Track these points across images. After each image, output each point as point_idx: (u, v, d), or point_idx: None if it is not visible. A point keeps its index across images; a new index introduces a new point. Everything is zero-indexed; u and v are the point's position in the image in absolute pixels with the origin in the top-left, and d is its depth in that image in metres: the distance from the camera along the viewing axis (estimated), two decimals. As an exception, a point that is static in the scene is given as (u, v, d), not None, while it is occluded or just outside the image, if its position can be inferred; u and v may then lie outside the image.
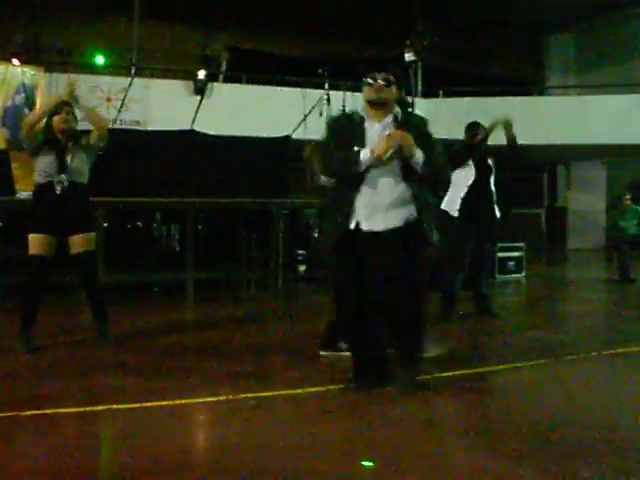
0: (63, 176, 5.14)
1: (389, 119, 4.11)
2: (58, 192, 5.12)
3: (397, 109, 4.16)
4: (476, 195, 6.70)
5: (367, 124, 4.11)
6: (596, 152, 16.17)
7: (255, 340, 5.67)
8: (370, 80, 4.08)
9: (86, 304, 5.66)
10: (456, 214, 6.72)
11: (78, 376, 4.50)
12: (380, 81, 4.06)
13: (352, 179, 4.01)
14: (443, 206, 6.78)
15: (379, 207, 3.97)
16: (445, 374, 4.62)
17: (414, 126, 4.12)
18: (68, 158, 5.19)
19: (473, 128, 6.88)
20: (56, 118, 5.23)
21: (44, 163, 5.15)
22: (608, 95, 15.90)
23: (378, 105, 4.11)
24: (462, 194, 6.71)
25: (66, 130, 5.23)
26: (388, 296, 3.96)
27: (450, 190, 6.75)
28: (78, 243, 5.25)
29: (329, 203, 4.44)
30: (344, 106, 11.70)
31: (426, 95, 15.72)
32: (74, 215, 5.20)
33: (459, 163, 6.62)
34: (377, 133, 4.05)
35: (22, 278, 5.40)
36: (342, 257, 4.07)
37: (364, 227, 3.98)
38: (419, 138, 4.02)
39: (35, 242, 5.14)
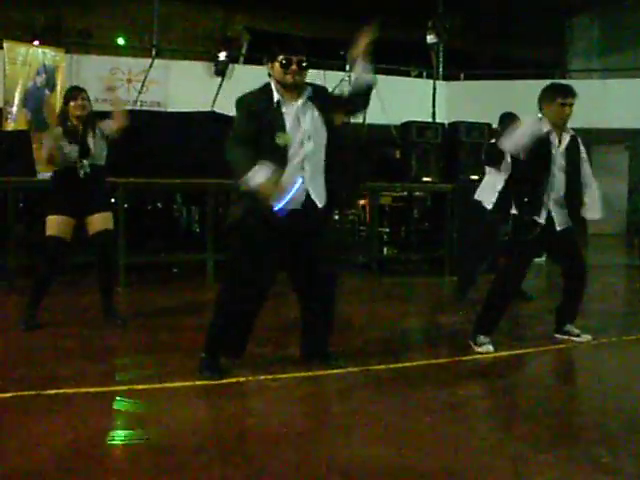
0: (85, 162, 5.21)
1: (304, 98, 3.88)
2: (81, 176, 5.20)
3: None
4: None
5: (283, 104, 3.85)
6: (619, 136, 15.97)
7: (277, 320, 5.66)
8: (284, 61, 3.81)
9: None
10: (490, 206, 6.44)
11: (98, 356, 4.54)
12: (294, 66, 3.80)
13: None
14: (477, 196, 6.59)
15: None
16: (465, 357, 4.62)
17: (328, 97, 4.01)
18: (90, 144, 5.23)
19: (511, 119, 6.26)
20: (72, 104, 5.26)
21: (67, 150, 5.18)
22: (632, 79, 15.68)
23: (294, 87, 3.86)
24: (499, 187, 6.33)
25: (82, 116, 5.26)
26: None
27: (487, 179, 6.51)
28: (97, 222, 5.32)
29: None
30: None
31: (447, 78, 15.57)
32: (94, 196, 5.29)
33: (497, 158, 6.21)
34: (295, 114, 3.83)
35: (38, 259, 5.45)
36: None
37: None
38: (337, 105, 4.02)
39: (54, 223, 5.20)
